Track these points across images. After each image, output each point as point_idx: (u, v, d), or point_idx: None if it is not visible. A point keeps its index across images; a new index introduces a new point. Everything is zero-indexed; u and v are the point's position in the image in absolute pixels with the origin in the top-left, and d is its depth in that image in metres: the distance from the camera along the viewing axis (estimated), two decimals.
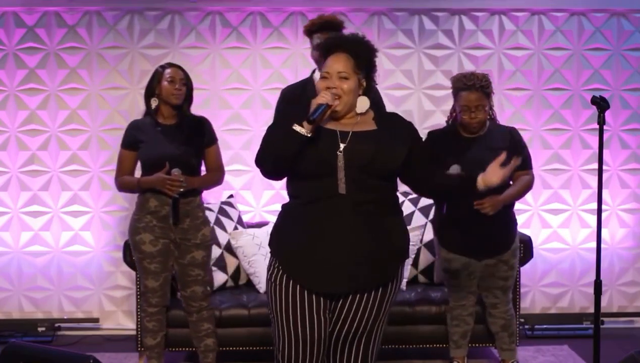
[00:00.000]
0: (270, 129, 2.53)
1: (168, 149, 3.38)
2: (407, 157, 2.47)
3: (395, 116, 2.66)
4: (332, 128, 2.45)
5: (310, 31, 3.58)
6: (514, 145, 3.44)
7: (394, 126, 2.53)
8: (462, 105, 3.41)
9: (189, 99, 3.50)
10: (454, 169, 3.30)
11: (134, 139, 3.45)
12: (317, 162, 2.39)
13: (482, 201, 3.34)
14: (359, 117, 2.50)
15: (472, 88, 3.37)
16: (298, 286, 2.45)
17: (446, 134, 3.55)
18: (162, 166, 3.34)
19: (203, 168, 3.62)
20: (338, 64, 2.44)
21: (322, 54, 2.51)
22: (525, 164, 3.49)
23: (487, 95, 3.41)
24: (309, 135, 2.36)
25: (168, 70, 3.44)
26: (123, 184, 3.49)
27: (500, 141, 3.44)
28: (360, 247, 2.41)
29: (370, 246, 2.43)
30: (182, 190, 3.34)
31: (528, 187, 3.53)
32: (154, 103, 3.45)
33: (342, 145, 2.41)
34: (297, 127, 2.36)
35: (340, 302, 2.49)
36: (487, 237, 3.47)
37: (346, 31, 4.54)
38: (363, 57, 2.47)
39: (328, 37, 2.54)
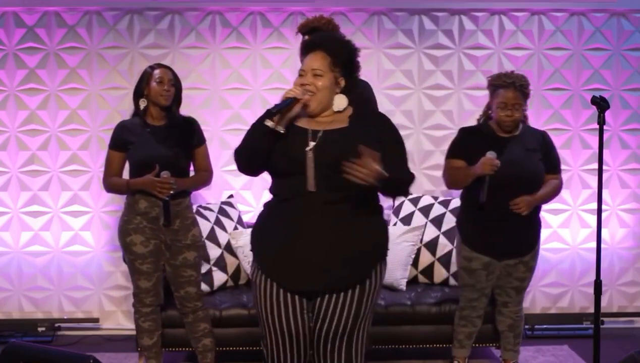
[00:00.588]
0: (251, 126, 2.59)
1: (157, 150, 3.36)
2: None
3: (371, 114, 2.70)
4: (304, 126, 2.50)
5: (302, 32, 3.53)
6: (546, 148, 3.49)
7: (366, 123, 2.54)
8: (499, 102, 3.42)
9: (177, 100, 3.48)
10: (491, 154, 3.32)
11: (123, 140, 3.43)
12: (287, 160, 2.45)
13: (517, 201, 3.36)
14: (335, 115, 2.54)
15: (511, 86, 3.39)
16: (275, 285, 2.50)
17: (480, 132, 3.54)
18: (152, 167, 3.32)
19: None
20: (314, 61, 2.50)
21: (302, 53, 2.58)
22: (555, 168, 3.53)
23: (524, 95, 3.43)
24: (278, 129, 2.42)
25: (157, 71, 3.42)
26: (112, 185, 3.47)
27: (534, 142, 3.47)
28: (333, 246, 2.44)
29: (342, 245, 2.45)
30: (172, 192, 3.33)
31: (557, 190, 3.55)
32: (143, 104, 3.42)
33: (311, 143, 2.45)
34: (267, 122, 2.43)
35: (319, 302, 2.50)
36: (512, 238, 3.46)
37: (346, 31, 4.57)
38: (340, 55, 2.52)
39: (309, 37, 2.58)
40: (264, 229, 2.56)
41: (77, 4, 4.49)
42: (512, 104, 3.39)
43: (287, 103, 2.43)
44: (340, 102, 2.53)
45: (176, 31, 4.55)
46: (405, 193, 2.62)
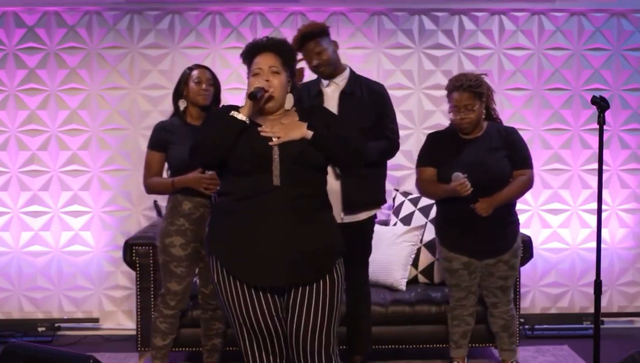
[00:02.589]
0: (203, 125, 2.64)
1: None
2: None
3: (315, 108, 2.81)
4: (263, 124, 2.55)
5: (299, 47, 3.45)
6: (510, 145, 3.46)
7: (316, 116, 2.62)
8: (451, 106, 3.44)
9: (217, 99, 3.50)
10: (457, 177, 3.32)
11: (164, 140, 3.42)
12: (252, 157, 2.47)
13: (476, 205, 3.36)
14: (285, 114, 2.60)
15: (460, 88, 3.38)
16: (245, 284, 2.50)
17: (445, 135, 3.57)
18: (193, 167, 3.29)
19: None
20: (269, 60, 2.55)
21: (247, 55, 2.61)
22: (523, 163, 3.48)
23: (477, 95, 3.40)
24: (245, 119, 2.47)
25: (195, 72, 3.45)
26: (154, 186, 3.45)
27: (498, 141, 3.45)
28: (298, 240, 2.47)
29: (306, 239, 2.49)
30: (218, 188, 3.33)
31: (525, 186, 3.50)
32: (182, 105, 3.45)
33: (275, 139, 2.49)
34: (234, 113, 2.48)
35: (292, 298, 2.52)
36: (485, 237, 3.46)
37: (346, 31, 4.57)
38: (288, 57, 2.61)
39: (252, 41, 2.62)
40: (223, 229, 2.54)
41: (77, 4, 4.49)
42: (463, 105, 3.39)
43: (261, 92, 2.48)
44: (290, 100, 2.61)
45: (176, 31, 4.55)
46: (355, 163, 2.61)
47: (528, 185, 3.51)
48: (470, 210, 3.37)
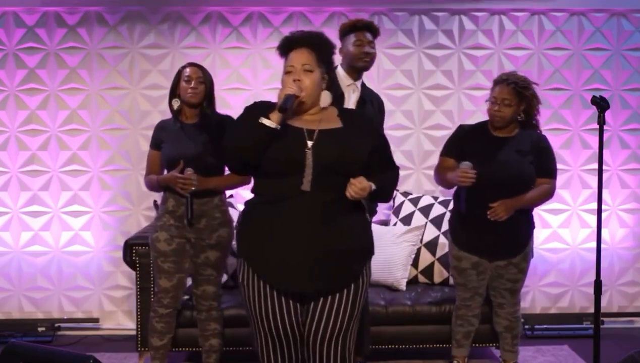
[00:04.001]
0: (234, 126, 2.54)
1: (184, 148, 3.37)
2: (368, 156, 2.49)
3: (358, 113, 2.74)
4: (298, 126, 2.47)
5: (354, 27, 3.49)
6: (540, 152, 3.46)
7: (359, 124, 2.56)
8: (490, 97, 3.45)
9: (209, 97, 3.46)
10: (465, 165, 3.30)
11: (159, 139, 3.47)
12: (285, 160, 2.41)
13: (494, 205, 3.32)
14: (322, 113, 2.52)
15: (504, 82, 3.41)
16: (268, 287, 2.47)
17: (476, 129, 3.56)
18: (179, 165, 3.34)
19: None
20: (302, 57, 2.48)
21: (283, 50, 2.55)
22: (549, 173, 3.48)
23: (518, 95, 3.40)
24: (275, 126, 2.39)
25: (186, 70, 3.42)
26: (148, 183, 3.53)
27: (527, 146, 3.45)
28: (326, 246, 2.42)
29: (335, 245, 2.43)
30: (193, 189, 3.32)
31: (547, 195, 3.48)
32: (176, 103, 3.43)
33: (309, 143, 2.43)
34: (263, 120, 2.39)
35: (313, 304, 2.49)
36: (499, 239, 3.45)
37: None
38: (324, 51, 2.52)
39: (288, 35, 2.56)
40: (253, 230, 2.52)
41: (77, 4, 4.49)
42: (501, 99, 3.40)
43: (291, 100, 2.40)
44: (326, 98, 2.53)
45: (176, 31, 4.55)
46: (388, 197, 2.70)
47: (550, 194, 3.50)
48: (486, 210, 3.34)
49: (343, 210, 2.46)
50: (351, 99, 3.49)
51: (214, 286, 3.53)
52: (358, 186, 2.38)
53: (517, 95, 3.40)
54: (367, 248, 2.57)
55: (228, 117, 3.50)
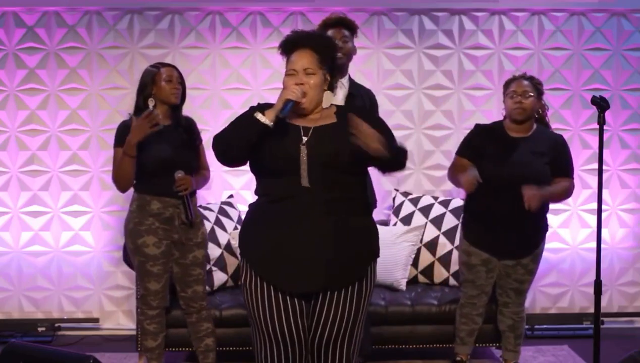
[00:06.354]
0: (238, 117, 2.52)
1: (168, 151, 3.35)
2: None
3: (350, 107, 2.72)
4: (295, 123, 2.47)
5: (326, 25, 3.54)
6: (556, 152, 3.47)
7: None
8: (509, 92, 3.47)
9: (183, 98, 3.48)
10: (472, 175, 3.33)
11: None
12: (282, 158, 2.41)
13: (527, 197, 3.25)
14: (322, 111, 2.52)
15: (521, 78, 3.48)
16: (272, 287, 2.46)
17: (493, 129, 3.58)
18: (165, 167, 3.32)
19: None
20: (304, 59, 2.46)
21: (284, 50, 2.53)
22: (567, 171, 3.51)
23: (536, 89, 3.47)
24: (268, 123, 2.37)
25: (164, 70, 3.40)
26: (117, 171, 3.38)
27: (543, 146, 3.46)
28: (330, 245, 2.41)
29: (339, 243, 2.42)
30: (190, 190, 3.37)
31: (568, 191, 3.51)
32: (151, 103, 3.38)
33: (304, 138, 2.43)
34: (259, 116, 2.39)
35: (319, 303, 2.47)
36: (512, 239, 3.46)
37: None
38: (326, 52, 2.50)
39: (290, 34, 2.55)
40: (256, 231, 2.51)
41: (77, 4, 4.49)
42: (521, 91, 3.43)
43: (291, 105, 2.40)
44: (328, 98, 2.52)
45: (176, 31, 4.55)
46: (403, 164, 2.52)
47: (570, 191, 3.53)
48: (503, 207, 3.36)
49: (347, 209, 2.44)
50: (339, 96, 3.50)
51: (202, 285, 3.54)
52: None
53: (534, 87, 3.46)
54: (371, 250, 2.55)
55: (190, 118, 3.57)
